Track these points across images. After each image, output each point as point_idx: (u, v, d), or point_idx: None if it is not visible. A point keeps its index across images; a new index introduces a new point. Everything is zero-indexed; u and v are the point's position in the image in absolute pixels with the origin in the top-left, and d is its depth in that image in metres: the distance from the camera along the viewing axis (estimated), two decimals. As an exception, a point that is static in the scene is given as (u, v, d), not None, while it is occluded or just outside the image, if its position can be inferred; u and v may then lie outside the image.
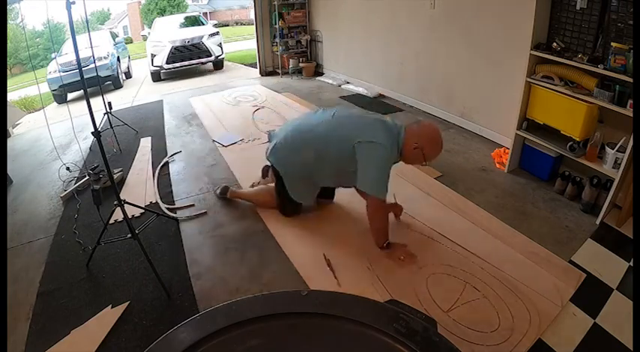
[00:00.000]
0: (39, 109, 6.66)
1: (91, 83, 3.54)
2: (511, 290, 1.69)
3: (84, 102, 1.78)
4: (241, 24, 21.47)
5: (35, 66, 8.99)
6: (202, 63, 7.11)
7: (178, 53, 6.70)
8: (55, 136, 3.53)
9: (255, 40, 6.05)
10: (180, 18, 8.74)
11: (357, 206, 2.16)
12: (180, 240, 2.16)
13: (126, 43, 9.67)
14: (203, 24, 8.15)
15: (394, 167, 1.86)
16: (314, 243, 2.04)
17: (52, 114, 5.51)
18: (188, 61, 6.82)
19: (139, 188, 2.74)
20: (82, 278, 1.92)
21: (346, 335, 0.92)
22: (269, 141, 2.15)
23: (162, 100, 4.99)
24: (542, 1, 2.27)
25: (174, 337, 0.90)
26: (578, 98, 2.16)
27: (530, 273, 1.78)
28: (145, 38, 13.68)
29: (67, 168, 2.99)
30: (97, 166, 2.77)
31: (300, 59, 5.83)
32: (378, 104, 4.32)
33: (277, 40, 5.66)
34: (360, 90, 4.78)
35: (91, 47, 3.52)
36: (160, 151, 3.34)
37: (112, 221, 2.17)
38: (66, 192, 2.72)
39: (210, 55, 7.00)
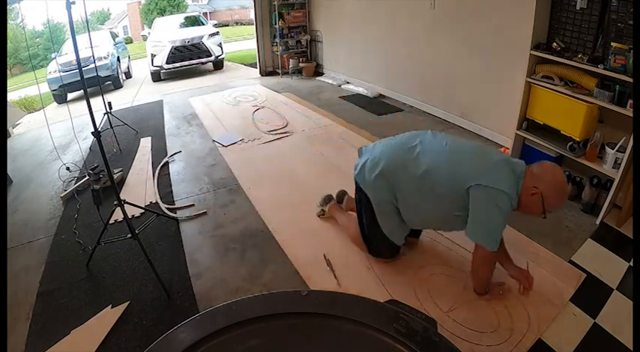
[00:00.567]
0: (39, 109, 6.66)
1: (91, 83, 3.55)
2: (511, 290, 1.68)
3: (84, 102, 1.79)
4: (241, 24, 21.47)
5: (35, 66, 8.98)
6: (202, 63, 7.11)
7: (178, 53, 6.70)
8: (55, 136, 3.53)
9: (255, 40, 6.06)
10: (180, 18, 8.75)
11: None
12: (180, 240, 2.16)
13: (126, 43, 9.67)
14: (203, 24, 8.16)
15: None
16: (314, 243, 2.04)
17: (52, 114, 5.51)
18: (188, 61, 6.82)
19: (138, 188, 2.74)
20: (82, 278, 1.93)
21: (346, 335, 0.92)
22: (359, 156, 1.80)
23: (162, 100, 5.00)
24: (542, 1, 2.27)
25: (174, 337, 0.90)
26: (578, 98, 2.16)
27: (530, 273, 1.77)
28: (144, 38, 13.70)
29: (67, 168, 2.99)
30: (97, 166, 2.77)
31: (300, 59, 5.83)
32: (378, 104, 4.31)
33: (277, 40, 5.66)
34: (360, 90, 4.77)
35: (91, 47, 3.53)
36: (159, 151, 3.35)
37: (112, 221, 2.17)
38: (66, 192, 2.72)
39: (210, 55, 7.00)
